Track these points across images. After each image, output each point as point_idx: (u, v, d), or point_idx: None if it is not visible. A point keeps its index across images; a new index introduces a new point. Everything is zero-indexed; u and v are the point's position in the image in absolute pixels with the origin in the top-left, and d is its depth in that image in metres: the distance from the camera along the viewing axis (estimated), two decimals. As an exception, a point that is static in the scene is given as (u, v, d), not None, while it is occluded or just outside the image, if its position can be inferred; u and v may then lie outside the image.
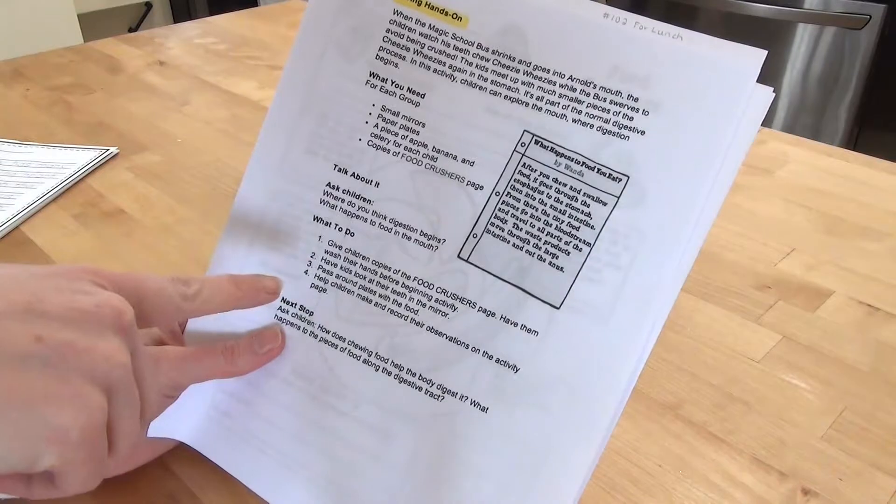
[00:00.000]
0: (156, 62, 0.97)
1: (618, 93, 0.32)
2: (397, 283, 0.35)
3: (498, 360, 0.33)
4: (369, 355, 0.35)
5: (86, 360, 0.26)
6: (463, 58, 0.34)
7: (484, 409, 0.33)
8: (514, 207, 0.34)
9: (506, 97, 0.34)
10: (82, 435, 0.26)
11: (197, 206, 0.64)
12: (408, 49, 0.35)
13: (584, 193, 0.33)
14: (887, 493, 0.38)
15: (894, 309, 0.51)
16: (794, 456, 0.40)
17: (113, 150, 0.73)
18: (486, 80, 0.34)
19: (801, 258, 0.57)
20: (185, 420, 0.38)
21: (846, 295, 0.53)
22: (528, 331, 0.33)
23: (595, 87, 0.32)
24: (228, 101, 0.84)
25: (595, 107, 0.32)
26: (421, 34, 0.35)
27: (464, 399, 0.34)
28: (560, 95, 0.33)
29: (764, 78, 0.30)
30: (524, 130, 0.33)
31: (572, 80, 0.33)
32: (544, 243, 0.33)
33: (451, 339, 0.34)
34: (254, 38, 1.06)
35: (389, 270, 0.35)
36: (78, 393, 0.26)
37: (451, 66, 0.34)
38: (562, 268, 0.33)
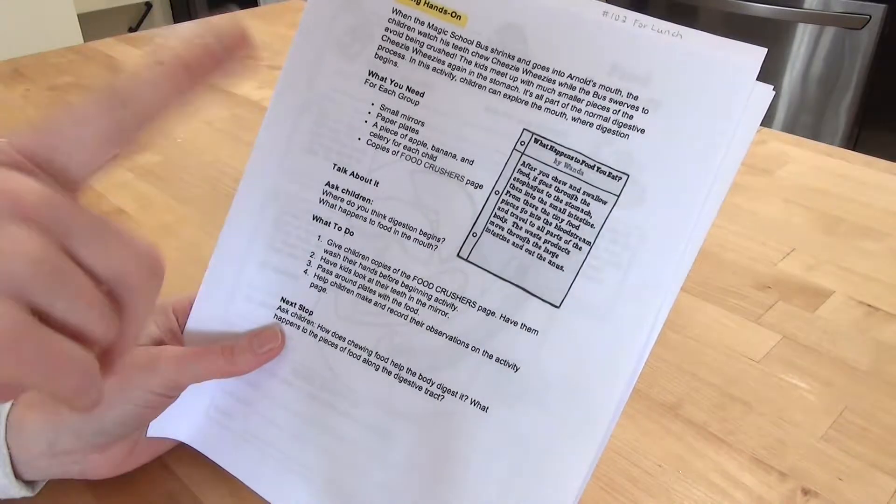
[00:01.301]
0: (156, 62, 0.97)
1: (617, 91, 0.32)
2: (397, 282, 0.35)
3: (498, 360, 0.33)
4: (369, 355, 0.35)
5: None
6: (462, 56, 0.34)
7: (484, 409, 0.33)
8: (513, 206, 0.34)
9: (505, 96, 0.34)
10: None
11: (197, 206, 0.63)
12: (407, 48, 0.35)
13: (584, 192, 0.33)
14: (887, 493, 0.38)
15: (894, 309, 0.51)
16: (794, 456, 0.40)
17: (113, 150, 0.72)
18: (485, 78, 0.34)
19: (801, 258, 0.57)
20: (185, 420, 0.38)
21: (846, 295, 0.53)
22: (528, 330, 0.33)
23: (594, 85, 0.32)
24: (228, 101, 0.84)
25: (595, 105, 0.32)
26: (420, 33, 0.35)
27: (464, 398, 0.34)
28: (559, 94, 0.33)
29: (764, 78, 0.30)
30: (524, 129, 0.33)
31: (572, 79, 0.33)
32: (544, 242, 0.33)
33: (450, 338, 0.34)
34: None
35: (389, 270, 0.35)
36: None
37: (450, 65, 0.34)
38: (562, 267, 0.33)
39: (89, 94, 0.27)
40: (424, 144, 0.35)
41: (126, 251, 0.25)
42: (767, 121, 1.58)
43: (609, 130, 0.32)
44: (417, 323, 0.35)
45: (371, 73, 0.35)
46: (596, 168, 0.32)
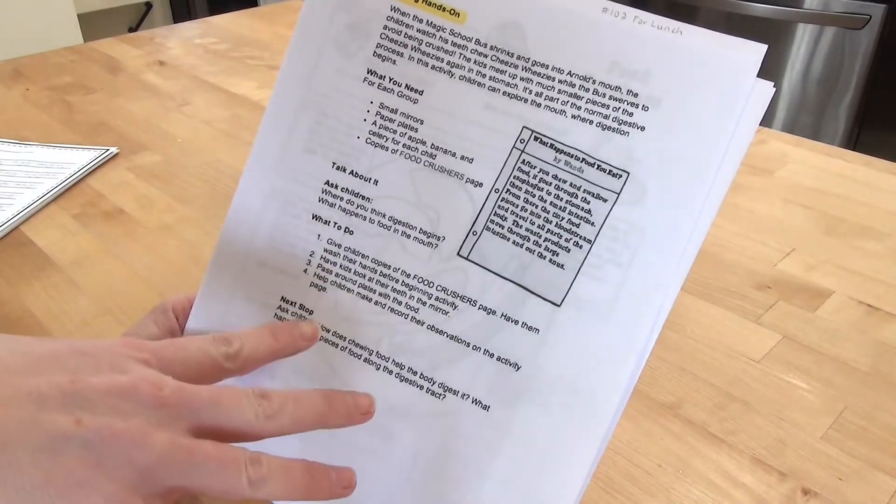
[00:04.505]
0: (156, 62, 0.97)
1: (617, 88, 0.32)
2: (397, 281, 0.35)
3: (499, 359, 0.33)
4: (370, 354, 0.35)
5: (121, 442, 0.27)
6: (461, 54, 0.34)
7: (485, 408, 0.33)
8: (513, 204, 0.34)
9: (504, 93, 0.34)
10: None
11: (197, 206, 0.63)
12: (405, 45, 0.35)
13: (584, 190, 0.32)
14: (887, 493, 0.38)
15: (894, 309, 0.51)
16: (794, 456, 0.40)
17: (113, 150, 0.72)
18: (484, 76, 0.34)
19: (801, 258, 0.57)
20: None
21: (846, 295, 0.53)
22: (529, 329, 0.33)
23: (594, 82, 0.32)
24: (228, 101, 0.84)
25: (594, 102, 0.32)
26: (419, 30, 0.35)
27: (465, 398, 0.34)
28: (559, 91, 0.33)
29: (764, 77, 0.30)
30: (523, 127, 0.33)
31: (571, 76, 0.33)
32: (544, 240, 0.33)
33: (451, 337, 0.34)
34: (254, 38, 1.06)
35: (389, 269, 0.35)
36: (111, 478, 0.26)
37: (449, 63, 0.34)
38: (562, 265, 0.33)
39: (210, 343, 0.33)
40: (424, 142, 0.35)
41: (232, 407, 0.31)
42: (767, 121, 1.58)
43: (609, 128, 0.32)
44: (418, 322, 0.35)
45: (370, 72, 0.35)
46: (596, 166, 0.32)
